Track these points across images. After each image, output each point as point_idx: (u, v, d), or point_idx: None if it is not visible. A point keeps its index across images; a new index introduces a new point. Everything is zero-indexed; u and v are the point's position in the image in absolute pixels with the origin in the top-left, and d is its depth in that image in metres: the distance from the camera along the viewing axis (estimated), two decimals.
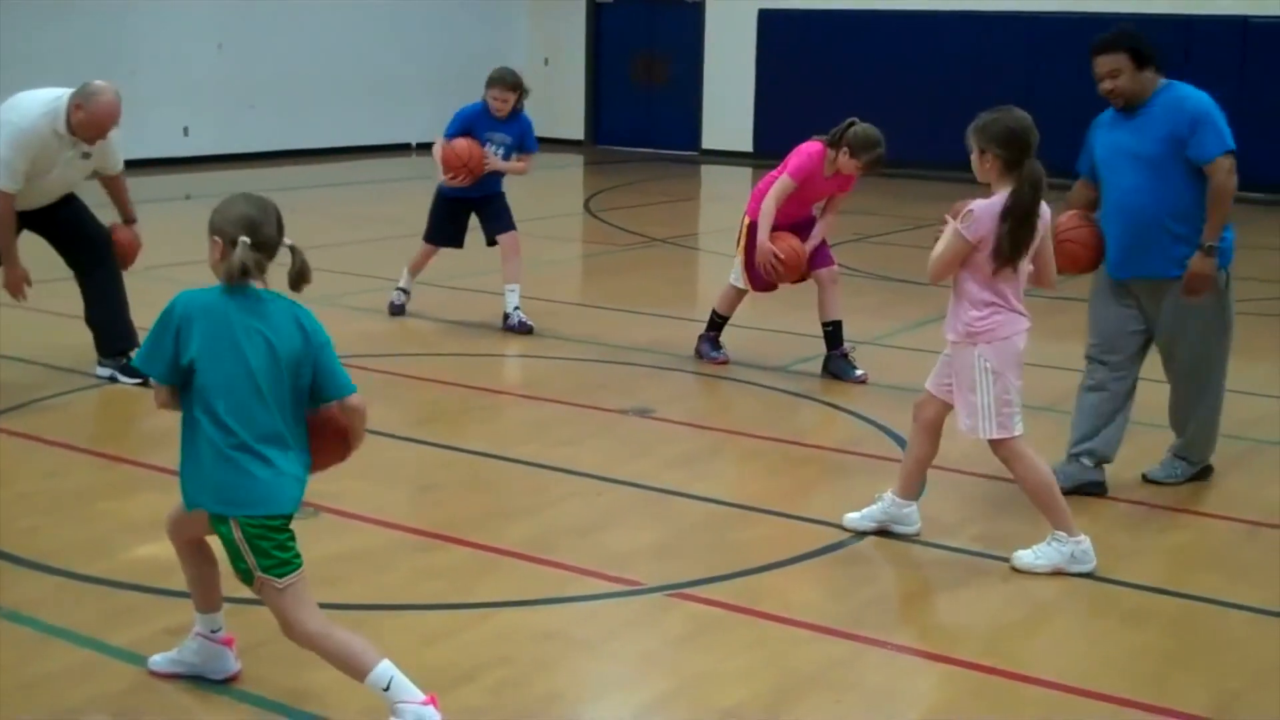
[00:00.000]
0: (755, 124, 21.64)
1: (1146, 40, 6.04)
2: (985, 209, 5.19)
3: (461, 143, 9.02)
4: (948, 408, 5.45)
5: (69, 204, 7.60)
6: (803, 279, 8.23)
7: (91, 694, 4.19)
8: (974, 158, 5.32)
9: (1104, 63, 6.00)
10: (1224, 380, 6.29)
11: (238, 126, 19.39)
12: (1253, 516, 6.01)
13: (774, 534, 5.74)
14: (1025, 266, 5.31)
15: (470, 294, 10.16)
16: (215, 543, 4.04)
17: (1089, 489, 6.09)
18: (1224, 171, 5.85)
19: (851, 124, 7.92)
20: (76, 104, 7.04)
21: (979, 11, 19.54)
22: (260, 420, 3.86)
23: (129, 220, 7.81)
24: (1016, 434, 5.28)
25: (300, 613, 3.90)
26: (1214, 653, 4.73)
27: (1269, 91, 17.42)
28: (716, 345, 8.53)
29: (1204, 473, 6.41)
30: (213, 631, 4.25)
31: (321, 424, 4.05)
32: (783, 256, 7.99)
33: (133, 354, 7.67)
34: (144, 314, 8.28)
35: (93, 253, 7.68)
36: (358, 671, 3.87)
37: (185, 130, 18.58)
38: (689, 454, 6.78)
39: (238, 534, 3.83)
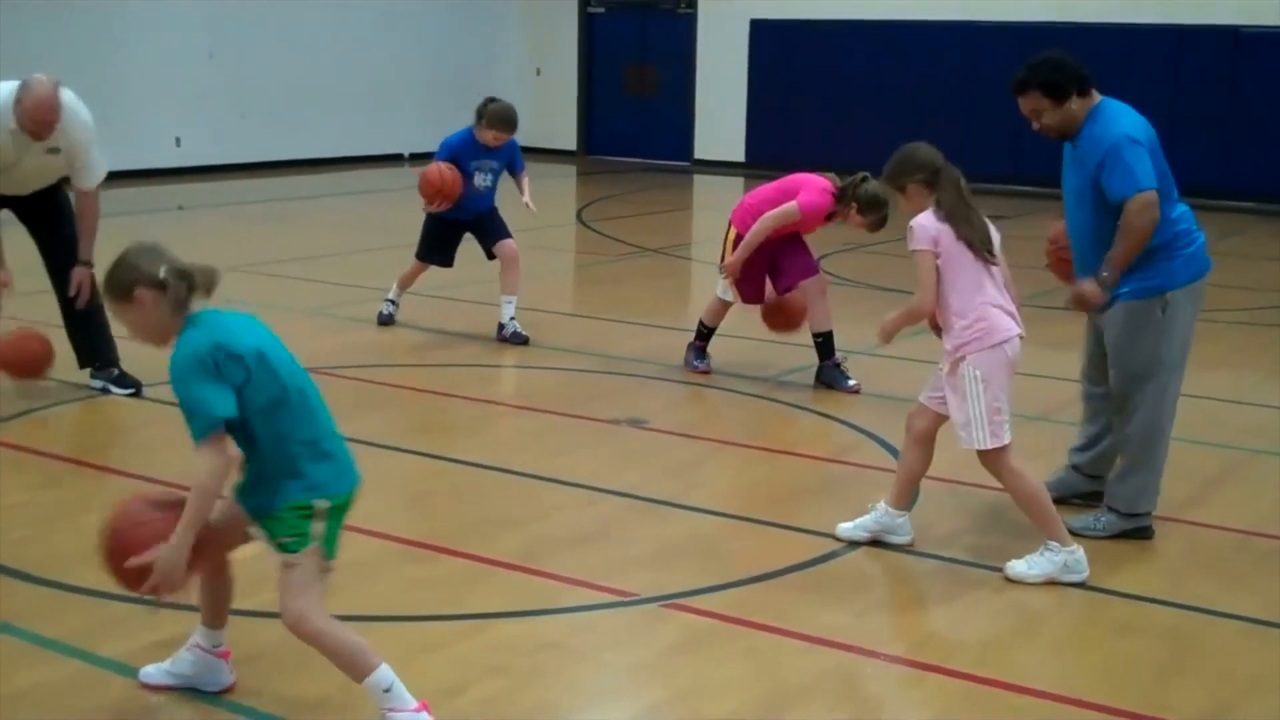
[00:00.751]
0: (747, 134, 21.68)
1: (1063, 69, 5.73)
2: (921, 218, 5.35)
3: (439, 169, 9.00)
4: (940, 419, 5.46)
5: (57, 210, 7.51)
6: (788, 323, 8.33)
7: (82, 705, 4.18)
8: (901, 202, 5.49)
9: (1023, 104, 5.77)
10: (1159, 423, 5.75)
11: (230, 136, 19.39)
12: (1245, 526, 6.01)
13: (767, 544, 5.73)
14: (1004, 268, 5.38)
15: (463, 304, 10.15)
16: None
17: (1082, 499, 6.08)
18: (1132, 211, 5.51)
19: (864, 179, 7.88)
20: (17, 99, 6.94)
21: (970, 22, 19.58)
22: (324, 411, 3.98)
23: (82, 261, 7.42)
24: (1006, 442, 5.28)
25: (318, 602, 3.89)
26: (1207, 662, 4.72)
27: (1259, 102, 17.47)
28: (702, 355, 8.54)
29: (1140, 532, 5.80)
30: (214, 646, 4.24)
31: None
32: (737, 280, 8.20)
33: (117, 365, 7.67)
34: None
35: (68, 265, 7.50)
36: (359, 670, 3.86)
37: (177, 140, 18.59)
38: (682, 464, 6.78)
39: (322, 508, 3.86)
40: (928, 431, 5.50)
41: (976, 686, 4.46)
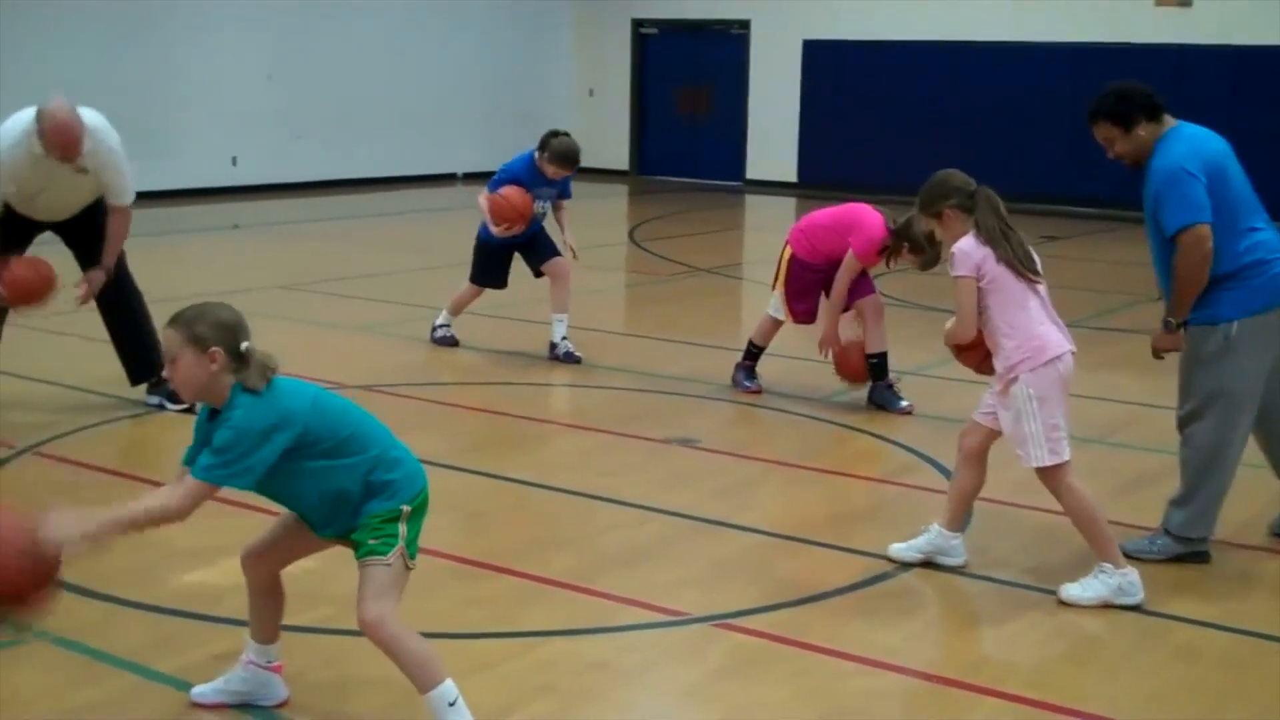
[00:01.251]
0: (799, 154, 21.68)
1: (1128, 99, 5.69)
2: (963, 243, 5.35)
3: (513, 192, 9.00)
4: (992, 436, 5.43)
5: (99, 234, 7.50)
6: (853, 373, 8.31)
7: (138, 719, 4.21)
8: (937, 230, 5.51)
9: (1096, 134, 5.75)
10: (1217, 452, 5.67)
11: (286, 156, 19.55)
12: None
13: (819, 565, 5.71)
14: (1044, 288, 5.39)
15: (517, 323, 10.19)
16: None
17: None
18: (1183, 247, 5.47)
19: (914, 219, 7.87)
20: (39, 127, 7.01)
21: (1024, 42, 19.52)
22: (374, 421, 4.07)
23: (102, 265, 7.50)
24: (1065, 459, 5.25)
25: (396, 606, 3.93)
26: (1265, 688, 4.67)
27: (1259, 119, 17.31)
28: (751, 375, 8.53)
29: (1195, 556, 5.75)
30: (268, 662, 4.26)
31: None
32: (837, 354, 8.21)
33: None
34: None
35: (113, 284, 7.60)
36: (428, 680, 3.90)
37: (234, 160, 18.78)
38: (733, 484, 6.77)
39: (406, 512, 3.97)
40: (979, 449, 5.48)
41: (1030, 710, 4.43)
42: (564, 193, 9.35)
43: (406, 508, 3.97)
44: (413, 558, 3.98)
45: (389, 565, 3.91)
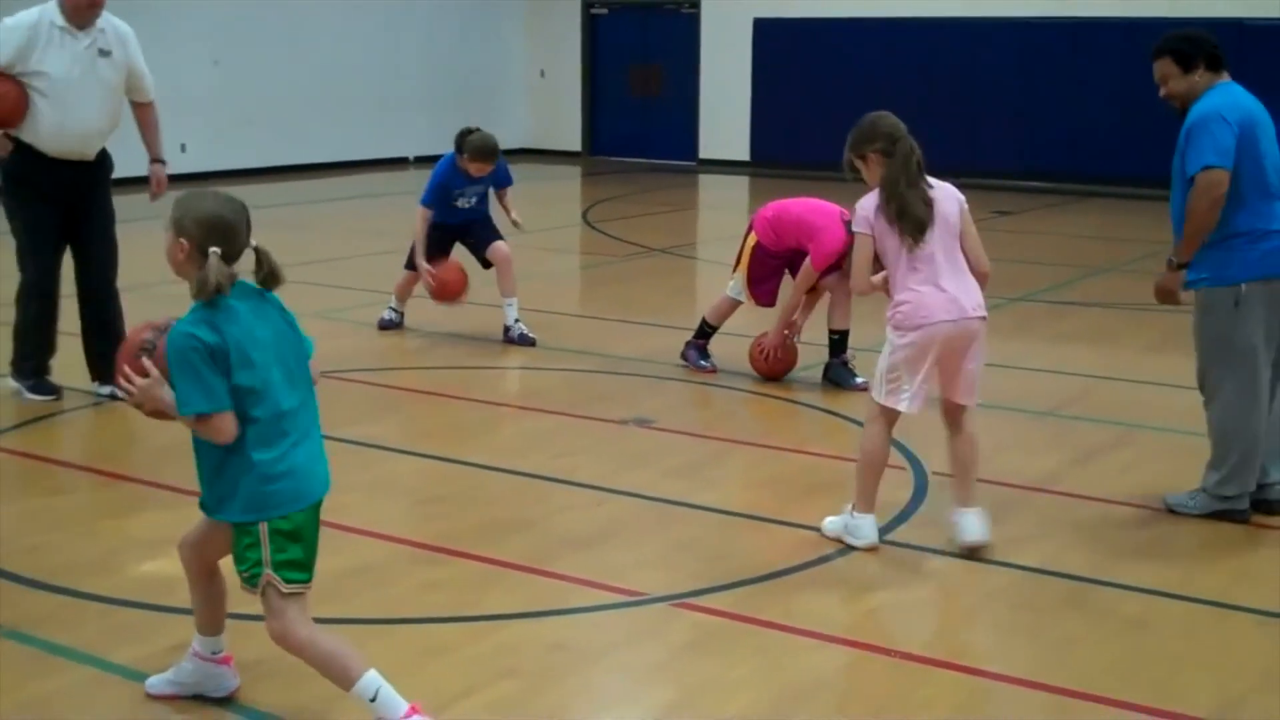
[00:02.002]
0: (752, 133, 21.68)
1: (1195, 42, 5.88)
2: (864, 200, 5.47)
3: (453, 276, 9.07)
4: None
5: (105, 217, 7.60)
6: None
7: (94, 712, 4.19)
8: (862, 171, 5.55)
9: (1156, 70, 5.92)
10: (1238, 412, 5.80)
11: (235, 142, 19.41)
12: (1256, 520, 5.99)
13: (776, 543, 5.73)
14: (972, 242, 5.47)
15: (469, 308, 10.15)
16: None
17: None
18: (1197, 187, 5.62)
19: None
20: None
21: (972, 18, 19.58)
22: (295, 414, 3.93)
23: (155, 159, 7.83)
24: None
25: (299, 616, 3.88)
26: (1219, 656, 4.72)
27: (1265, 94, 17.42)
28: (705, 354, 8.54)
29: (1231, 514, 5.89)
30: (214, 653, 4.22)
31: None
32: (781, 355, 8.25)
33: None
34: None
35: (103, 288, 7.67)
36: (345, 679, 3.85)
37: (183, 147, 18.52)
38: (690, 464, 6.78)
39: (264, 532, 3.81)
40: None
41: (986, 682, 4.47)
42: (503, 181, 9.31)
43: (264, 525, 3.82)
44: (291, 580, 3.84)
45: (262, 593, 3.85)
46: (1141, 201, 17.23)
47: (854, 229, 5.47)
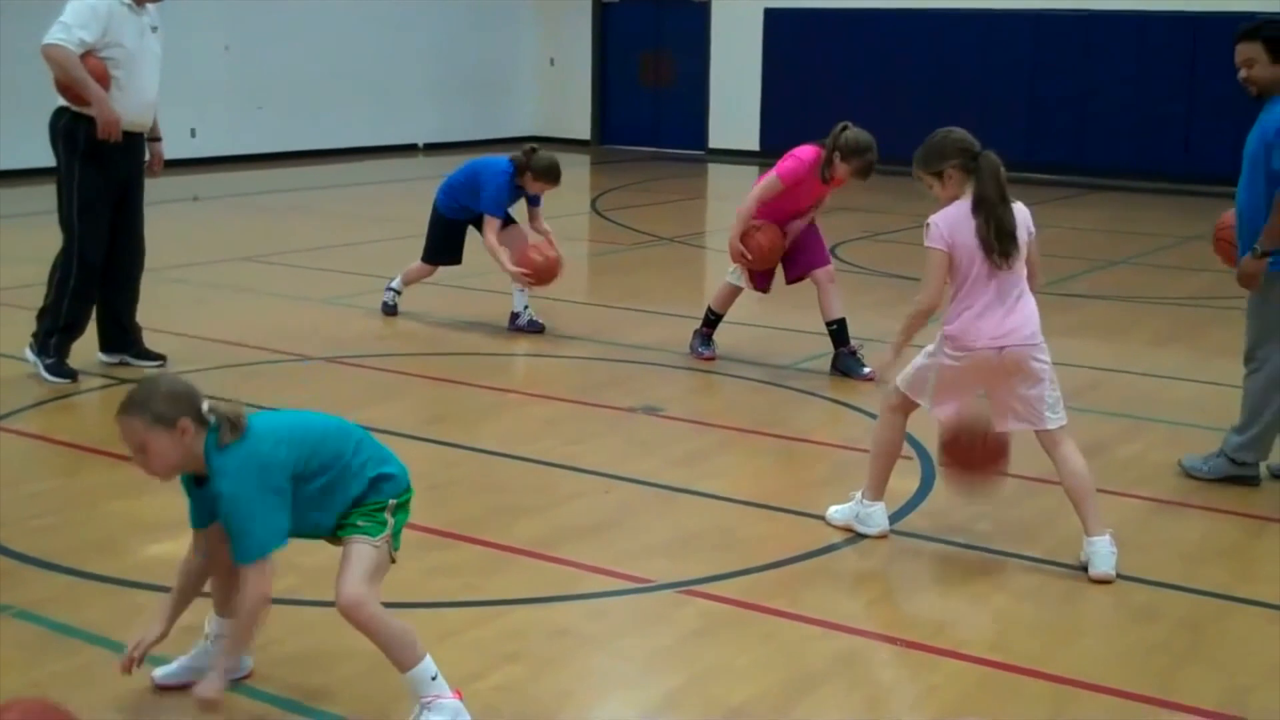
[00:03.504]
0: (762, 123, 21.66)
1: None
2: (938, 216, 5.30)
3: (549, 253, 8.83)
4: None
5: (135, 204, 7.83)
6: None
7: (102, 693, 4.20)
8: (935, 187, 5.38)
9: (1241, 51, 5.98)
10: (1277, 381, 6.10)
11: (245, 128, 19.42)
12: (1262, 512, 6.01)
13: (783, 531, 5.74)
14: (1033, 256, 5.39)
15: (478, 294, 10.17)
16: None
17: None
18: None
19: (844, 128, 7.92)
20: None
21: (984, 10, 19.54)
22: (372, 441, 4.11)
23: (154, 138, 8.07)
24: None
25: (376, 586, 3.97)
26: (1225, 648, 4.72)
27: (1219, 86, 17.35)
28: (707, 342, 8.55)
29: (1243, 479, 6.23)
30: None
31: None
32: (750, 256, 8.13)
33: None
34: (153, 316, 8.33)
35: (139, 256, 7.91)
36: (407, 660, 3.90)
37: (193, 132, 18.61)
38: (697, 451, 6.79)
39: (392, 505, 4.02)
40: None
41: (992, 671, 4.47)
42: (534, 200, 9.27)
43: (393, 501, 4.02)
44: (396, 549, 4.03)
45: (376, 547, 3.94)
46: (1151, 195, 17.22)
47: (930, 244, 5.26)
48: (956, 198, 5.31)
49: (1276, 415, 6.15)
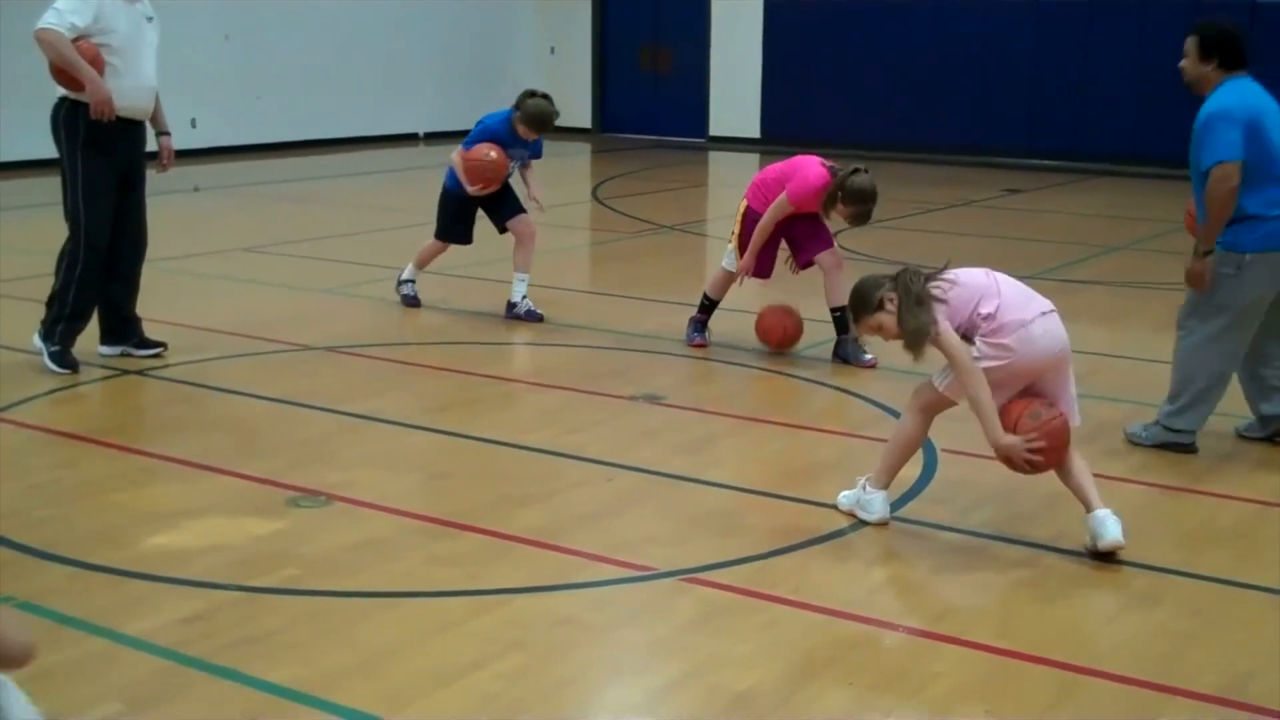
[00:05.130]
0: (762, 110, 21.64)
1: (1220, 36, 6.25)
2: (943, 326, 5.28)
3: (491, 149, 8.97)
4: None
5: (139, 191, 7.84)
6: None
7: (105, 683, 4.20)
8: (887, 324, 5.33)
9: (1185, 43, 6.32)
10: (1203, 361, 6.38)
11: (245, 117, 19.40)
12: (1264, 497, 6.01)
13: (785, 518, 5.74)
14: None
15: (479, 283, 10.16)
16: None
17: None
18: (1211, 181, 6.13)
19: (855, 171, 7.87)
20: None
21: None
22: None
23: (163, 131, 8.10)
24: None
25: None
26: (1226, 633, 4.72)
27: (1276, 72, 17.34)
28: (701, 328, 8.56)
29: (1179, 447, 6.48)
30: None
31: None
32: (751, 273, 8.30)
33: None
34: (154, 307, 8.33)
35: (141, 246, 7.92)
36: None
37: (193, 122, 18.56)
38: (699, 439, 6.79)
39: None
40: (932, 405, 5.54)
41: (995, 658, 4.47)
42: (535, 153, 9.31)
43: None
44: None
45: None
46: (1151, 180, 17.19)
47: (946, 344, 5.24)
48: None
49: (1207, 385, 6.39)
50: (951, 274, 5.30)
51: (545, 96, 9.08)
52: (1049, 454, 5.23)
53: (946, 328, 5.18)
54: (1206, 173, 6.15)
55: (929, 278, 5.28)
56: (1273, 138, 6.20)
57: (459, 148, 9.16)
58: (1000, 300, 5.25)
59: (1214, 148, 6.11)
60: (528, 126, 9.00)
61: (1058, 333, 5.30)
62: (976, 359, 5.20)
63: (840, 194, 7.83)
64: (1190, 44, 6.29)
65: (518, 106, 9.03)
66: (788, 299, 8.48)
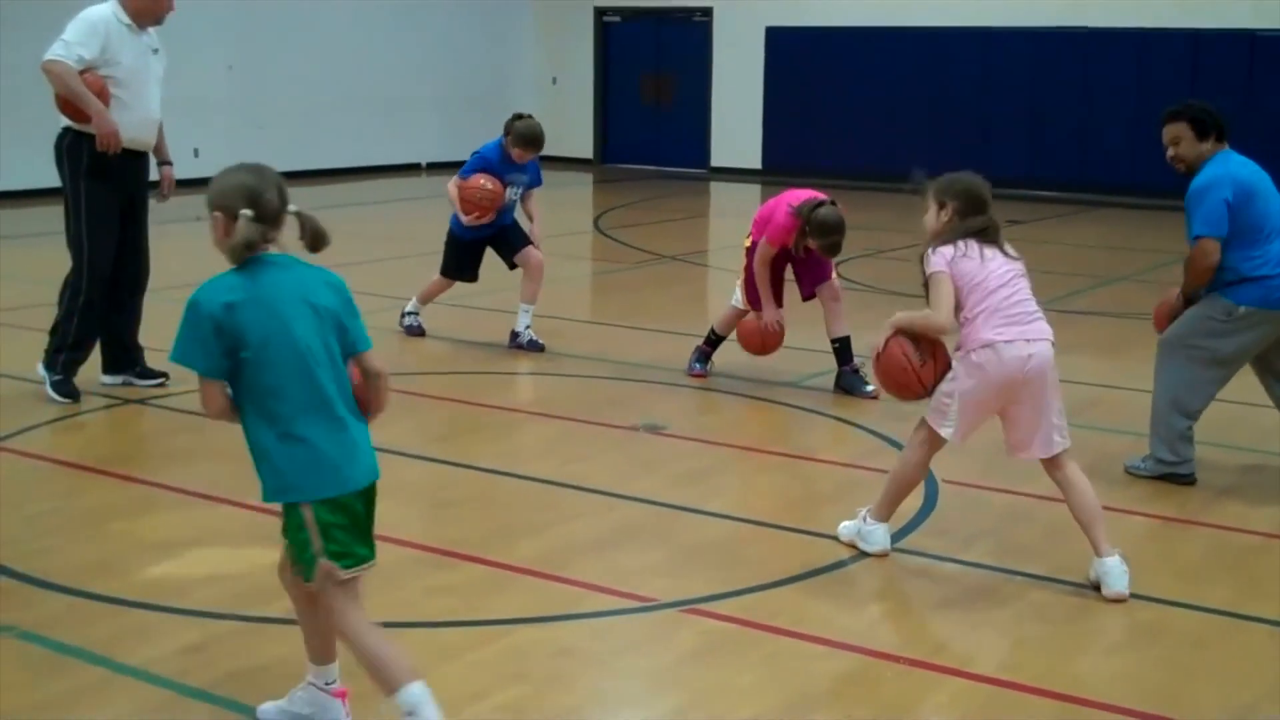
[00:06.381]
0: (764, 141, 21.70)
1: (1213, 114, 6.41)
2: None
3: (484, 178, 9.02)
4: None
5: (141, 222, 7.88)
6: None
7: (105, 713, 4.19)
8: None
9: (1167, 131, 6.45)
10: (1178, 398, 6.46)
11: (248, 147, 19.37)
12: (1265, 529, 6.00)
13: (786, 549, 5.74)
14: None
15: (482, 313, 10.17)
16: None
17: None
18: (1194, 252, 6.31)
19: (818, 205, 7.88)
20: None
21: (984, 28, 19.59)
22: (319, 393, 3.69)
23: (164, 161, 8.11)
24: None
25: (348, 605, 3.72)
26: (1228, 665, 4.71)
27: (1276, 104, 17.40)
28: (704, 360, 8.58)
29: (1177, 478, 6.50)
30: (326, 683, 4.03)
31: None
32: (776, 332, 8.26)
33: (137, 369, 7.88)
34: (156, 336, 8.33)
35: (143, 276, 7.98)
36: (387, 684, 3.69)
37: (195, 152, 18.60)
38: (700, 470, 6.78)
39: (309, 518, 3.64)
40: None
41: (996, 690, 4.46)
42: (534, 181, 9.34)
43: (307, 509, 3.66)
44: (346, 566, 3.69)
45: (316, 584, 3.70)
46: (1152, 211, 17.22)
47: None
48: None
49: (1176, 425, 6.48)
50: (987, 255, 5.36)
51: (530, 117, 9.17)
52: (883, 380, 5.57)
53: (943, 274, 5.30)
54: (1191, 241, 6.33)
55: (987, 238, 5.39)
56: (1259, 205, 6.33)
57: (455, 178, 9.19)
58: (983, 309, 5.26)
59: (1202, 220, 6.25)
60: (520, 147, 9.05)
61: (1027, 359, 5.24)
62: (952, 379, 5.29)
63: (807, 228, 7.85)
64: (1181, 129, 6.40)
65: (507, 131, 9.11)
66: (792, 330, 8.47)
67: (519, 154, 9.09)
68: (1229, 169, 6.32)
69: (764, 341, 8.29)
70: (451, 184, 9.20)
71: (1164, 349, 6.56)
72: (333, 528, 3.67)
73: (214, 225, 3.79)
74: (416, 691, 3.67)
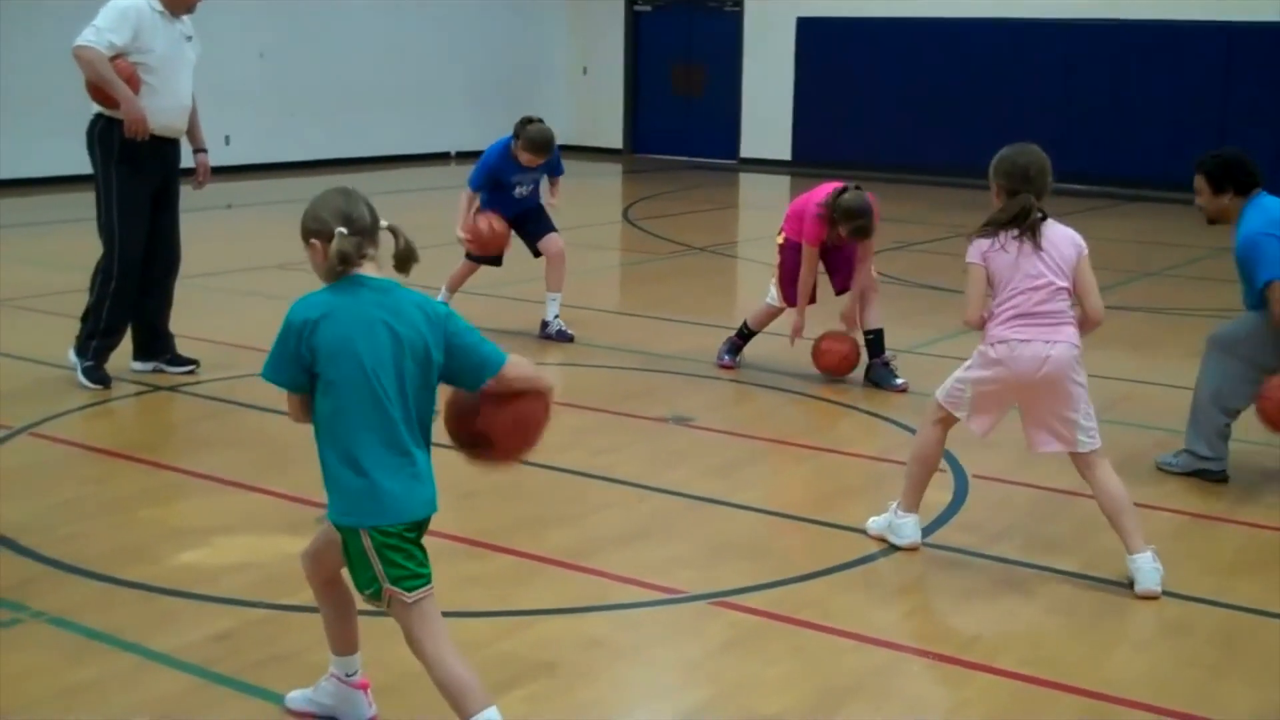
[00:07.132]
0: (794, 132, 21.64)
1: (1227, 166, 6.40)
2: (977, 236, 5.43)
3: (496, 224, 9.07)
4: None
5: (172, 208, 7.92)
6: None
7: (134, 699, 4.21)
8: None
9: (1195, 180, 6.50)
10: (1214, 393, 6.45)
11: (279, 135, 19.50)
12: None
13: (814, 542, 5.73)
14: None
15: (510, 302, 10.18)
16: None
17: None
18: (1272, 296, 6.19)
19: (842, 191, 7.88)
20: None
21: (1015, 19, 19.49)
22: (382, 417, 3.68)
23: (199, 149, 8.14)
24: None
25: (423, 630, 3.71)
26: (1258, 663, 4.69)
27: (1251, 94, 17.27)
28: (734, 352, 8.57)
29: (1209, 474, 6.47)
30: (348, 675, 4.05)
31: (493, 410, 3.94)
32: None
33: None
34: (187, 323, 8.37)
35: (174, 263, 8.01)
36: (461, 710, 3.66)
37: (226, 139, 18.66)
38: (729, 462, 6.78)
39: (367, 544, 3.63)
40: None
41: (1024, 685, 4.45)
42: (554, 171, 9.33)
43: (365, 535, 3.64)
44: (410, 589, 3.67)
45: (400, 601, 3.68)
46: (1184, 206, 17.02)
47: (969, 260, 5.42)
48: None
49: (1213, 422, 6.46)
50: (1025, 253, 5.44)
51: (540, 121, 9.13)
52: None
53: (976, 267, 5.33)
54: (1262, 290, 6.23)
55: (1027, 229, 5.52)
56: None
57: (466, 188, 9.22)
58: (1009, 307, 5.26)
59: (1267, 265, 6.21)
60: (530, 153, 9.01)
61: (1044, 360, 5.23)
62: (968, 368, 5.34)
63: (834, 216, 7.85)
64: (1199, 182, 6.44)
65: (517, 135, 9.03)
66: (822, 323, 8.45)
67: (528, 159, 9.04)
68: (1267, 214, 6.30)
69: (843, 359, 8.27)
70: (463, 194, 9.22)
71: (1213, 347, 6.54)
72: (388, 550, 3.67)
73: (312, 254, 3.81)
74: (491, 718, 3.65)
